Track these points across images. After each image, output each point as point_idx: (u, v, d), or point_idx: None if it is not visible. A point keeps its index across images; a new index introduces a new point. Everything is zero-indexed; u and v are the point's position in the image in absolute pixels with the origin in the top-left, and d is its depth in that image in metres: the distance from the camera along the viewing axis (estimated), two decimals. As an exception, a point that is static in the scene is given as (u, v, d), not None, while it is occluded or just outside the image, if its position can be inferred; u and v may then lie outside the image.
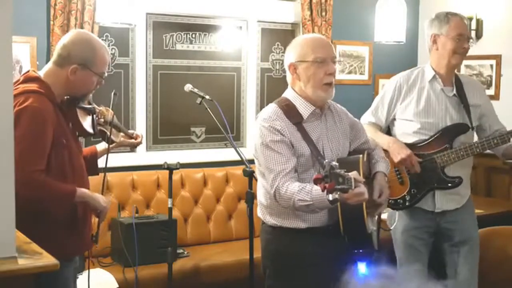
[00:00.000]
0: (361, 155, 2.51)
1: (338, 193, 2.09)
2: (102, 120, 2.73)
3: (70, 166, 2.46)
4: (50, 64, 2.50)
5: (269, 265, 2.58)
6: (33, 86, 2.36)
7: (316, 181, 2.09)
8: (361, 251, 2.55)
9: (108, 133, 2.73)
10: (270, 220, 2.55)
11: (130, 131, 2.94)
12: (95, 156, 2.81)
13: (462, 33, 3.05)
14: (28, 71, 2.48)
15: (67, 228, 2.46)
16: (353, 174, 2.16)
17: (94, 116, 2.64)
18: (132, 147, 2.96)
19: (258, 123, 2.52)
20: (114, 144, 2.83)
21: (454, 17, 3.07)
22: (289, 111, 2.50)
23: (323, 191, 2.10)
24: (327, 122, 2.58)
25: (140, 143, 2.96)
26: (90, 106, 2.63)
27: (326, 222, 2.48)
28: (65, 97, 2.53)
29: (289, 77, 2.58)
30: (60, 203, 2.42)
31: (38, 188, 2.29)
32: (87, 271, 3.52)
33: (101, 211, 2.53)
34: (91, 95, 2.65)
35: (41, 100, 2.34)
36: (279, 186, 2.39)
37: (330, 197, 2.10)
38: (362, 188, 2.18)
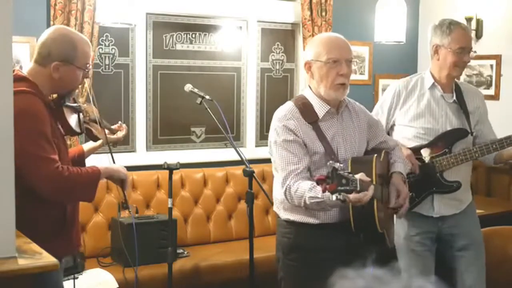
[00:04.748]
0: (375, 155, 2.52)
1: (342, 194, 2.10)
2: (88, 118, 2.72)
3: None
4: (32, 64, 2.46)
5: (281, 257, 2.64)
6: (22, 86, 2.32)
7: (319, 182, 2.11)
8: (375, 247, 2.58)
9: (94, 131, 2.71)
10: (284, 215, 2.60)
11: (113, 126, 2.90)
12: (82, 156, 2.78)
13: (464, 46, 3.01)
14: (13, 71, 2.46)
15: (56, 230, 2.44)
16: (359, 176, 2.17)
17: (81, 114, 2.63)
18: (116, 142, 2.92)
19: (273, 121, 2.57)
20: (99, 142, 2.81)
21: (457, 28, 3.01)
22: (305, 110, 2.54)
23: (324, 192, 2.12)
24: (343, 120, 2.60)
25: (123, 134, 2.89)
26: (76, 104, 2.61)
27: (337, 218, 2.51)
28: (53, 96, 2.53)
29: (306, 75, 2.63)
30: (90, 187, 2.43)
31: (66, 180, 2.32)
32: (86, 271, 3.54)
33: (124, 180, 2.59)
34: (76, 92, 2.66)
35: (34, 100, 2.32)
36: (290, 185, 2.44)
37: (334, 197, 2.11)
38: (363, 194, 2.20)
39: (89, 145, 2.82)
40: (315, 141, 2.49)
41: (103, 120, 2.84)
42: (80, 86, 3.97)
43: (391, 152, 2.74)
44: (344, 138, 2.57)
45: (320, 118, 2.54)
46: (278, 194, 2.61)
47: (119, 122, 2.94)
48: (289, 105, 2.58)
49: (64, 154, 2.50)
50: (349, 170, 2.36)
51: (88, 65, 2.51)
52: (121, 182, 2.60)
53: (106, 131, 2.83)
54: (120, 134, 2.87)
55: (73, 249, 2.64)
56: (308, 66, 2.56)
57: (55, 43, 2.44)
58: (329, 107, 2.55)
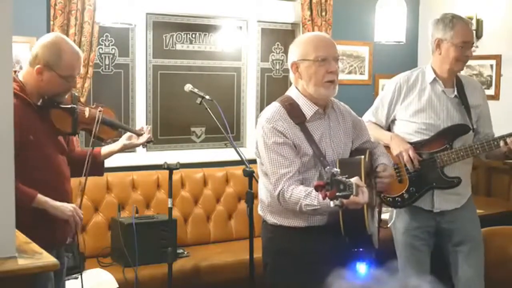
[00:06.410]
0: (362, 156, 2.49)
1: (339, 199, 2.09)
2: (87, 119, 2.75)
3: (43, 161, 2.52)
4: (27, 64, 2.59)
5: (269, 262, 2.60)
6: None
7: (317, 188, 2.08)
8: (361, 249, 2.55)
9: (93, 132, 2.74)
10: (271, 219, 2.56)
11: (138, 129, 2.96)
12: (98, 157, 2.87)
13: (467, 40, 3.01)
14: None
15: (34, 222, 2.46)
16: (354, 180, 2.15)
17: (75, 116, 2.68)
18: (137, 145, 2.97)
19: (260, 122, 2.51)
20: (117, 144, 2.88)
21: (459, 22, 3.02)
22: (292, 110, 2.48)
23: (324, 198, 2.10)
24: (330, 121, 2.57)
25: (145, 139, 2.94)
26: (69, 106, 2.68)
27: (326, 221, 2.48)
28: (45, 97, 2.60)
29: (292, 76, 2.57)
30: (20, 204, 2.40)
31: None
32: (86, 271, 3.54)
33: (68, 220, 2.55)
34: (66, 97, 2.69)
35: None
36: (284, 190, 2.39)
37: (332, 204, 2.10)
38: (360, 197, 2.18)
39: (108, 148, 2.89)
40: (304, 143, 2.46)
41: (118, 122, 2.91)
42: (81, 87, 3.99)
43: (373, 150, 2.72)
44: (331, 139, 2.54)
45: (307, 118, 2.49)
46: (264, 197, 2.57)
47: (142, 125, 3.01)
48: (275, 106, 2.53)
49: (50, 150, 2.56)
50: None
51: (71, 77, 2.58)
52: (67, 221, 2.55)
53: (128, 134, 2.92)
54: (142, 139, 2.91)
55: (62, 240, 2.66)
56: (296, 66, 2.51)
57: (43, 47, 2.55)
58: (317, 108, 2.51)
